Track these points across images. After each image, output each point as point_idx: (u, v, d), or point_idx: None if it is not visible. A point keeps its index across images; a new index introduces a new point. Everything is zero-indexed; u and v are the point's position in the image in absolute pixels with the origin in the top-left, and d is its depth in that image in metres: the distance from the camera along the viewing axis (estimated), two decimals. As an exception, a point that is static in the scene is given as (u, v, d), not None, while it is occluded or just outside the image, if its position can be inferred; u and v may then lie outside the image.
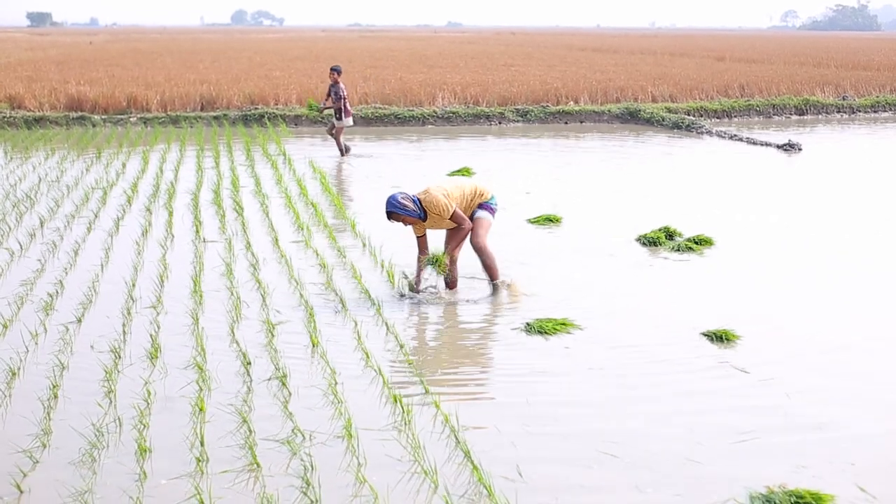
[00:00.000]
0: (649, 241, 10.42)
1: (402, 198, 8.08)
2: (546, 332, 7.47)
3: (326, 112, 18.78)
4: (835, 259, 10.01)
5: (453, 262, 8.47)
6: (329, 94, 16.98)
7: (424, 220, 8.21)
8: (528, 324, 7.63)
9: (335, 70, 16.83)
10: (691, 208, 12.54)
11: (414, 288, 8.40)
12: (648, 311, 8.10)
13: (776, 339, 7.38)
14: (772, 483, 4.98)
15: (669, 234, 10.59)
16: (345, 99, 16.69)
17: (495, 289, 8.49)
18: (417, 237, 8.40)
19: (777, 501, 4.78)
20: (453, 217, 8.21)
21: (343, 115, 16.77)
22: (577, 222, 11.63)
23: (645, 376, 6.62)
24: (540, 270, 9.34)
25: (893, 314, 8.18)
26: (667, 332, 7.56)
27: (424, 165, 16.61)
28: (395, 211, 8.09)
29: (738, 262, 9.76)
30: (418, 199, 8.15)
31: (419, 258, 8.42)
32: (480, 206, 8.44)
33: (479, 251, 8.37)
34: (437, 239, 8.80)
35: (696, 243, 10.23)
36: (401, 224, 8.30)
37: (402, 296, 8.39)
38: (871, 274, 9.39)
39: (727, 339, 7.31)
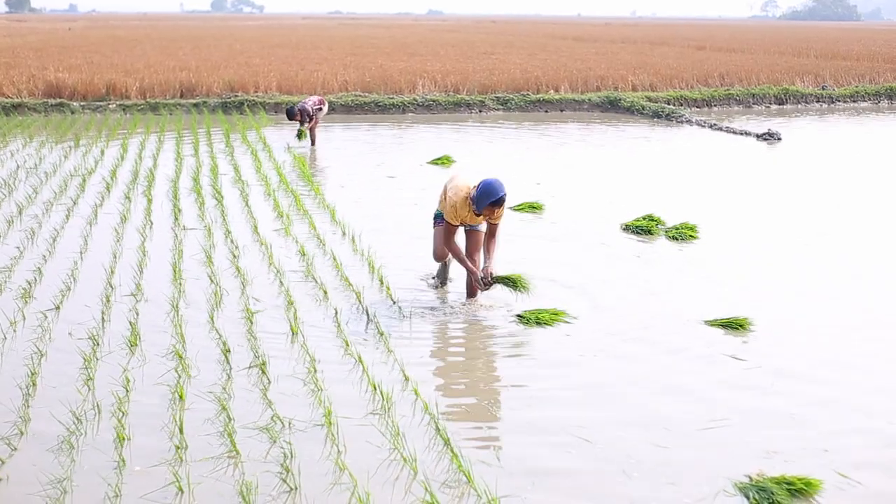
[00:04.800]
0: (639, 230, 10.48)
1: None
2: (544, 323, 7.42)
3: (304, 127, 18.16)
4: (818, 245, 10.11)
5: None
6: (303, 122, 16.67)
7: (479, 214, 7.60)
8: (519, 315, 7.57)
9: (290, 114, 16.51)
10: (672, 197, 12.60)
11: (485, 282, 7.67)
12: (646, 299, 8.15)
13: (765, 328, 7.42)
14: (748, 470, 5.03)
15: (653, 223, 10.63)
16: (314, 112, 16.51)
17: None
18: (453, 226, 7.76)
19: (769, 489, 4.78)
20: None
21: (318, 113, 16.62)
22: (559, 210, 11.65)
23: (631, 364, 6.67)
24: (532, 260, 9.28)
25: (877, 300, 8.26)
26: (660, 319, 7.62)
27: (405, 154, 16.58)
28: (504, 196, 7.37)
29: (724, 251, 9.84)
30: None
31: (463, 258, 7.77)
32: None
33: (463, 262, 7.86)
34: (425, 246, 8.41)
35: (686, 231, 10.30)
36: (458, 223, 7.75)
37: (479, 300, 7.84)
38: (852, 257, 9.52)
39: (726, 327, 7.36)
